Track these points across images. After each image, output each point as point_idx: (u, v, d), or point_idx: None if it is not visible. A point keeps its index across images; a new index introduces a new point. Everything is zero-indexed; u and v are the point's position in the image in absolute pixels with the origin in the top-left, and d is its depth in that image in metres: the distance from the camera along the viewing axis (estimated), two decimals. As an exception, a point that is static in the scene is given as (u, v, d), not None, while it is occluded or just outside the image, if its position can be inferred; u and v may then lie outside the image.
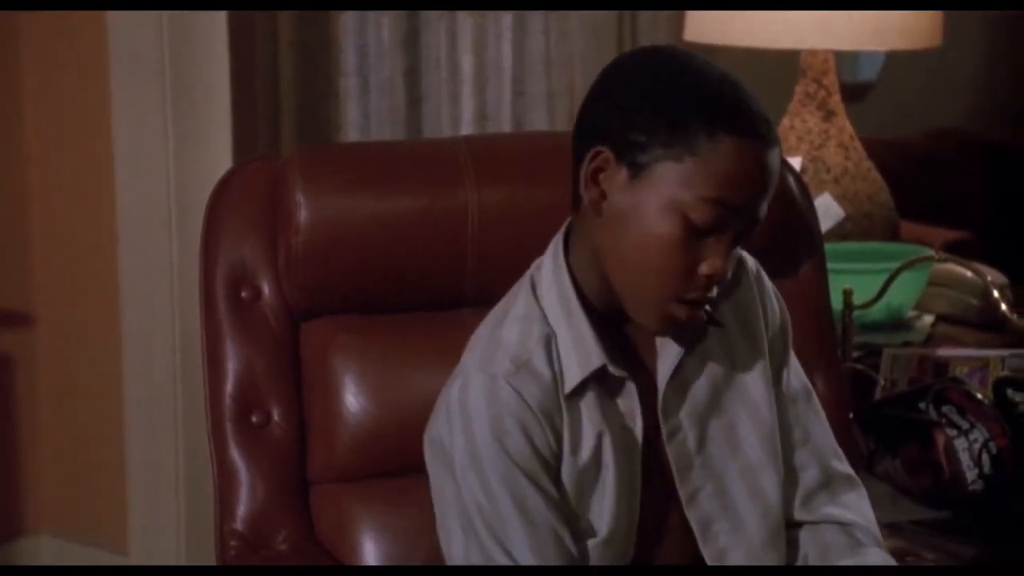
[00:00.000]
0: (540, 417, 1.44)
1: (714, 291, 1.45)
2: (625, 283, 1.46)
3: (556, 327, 1.47)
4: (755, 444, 1.54)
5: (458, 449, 1.45)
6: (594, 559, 1.48)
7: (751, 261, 1.60)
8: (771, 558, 1.54)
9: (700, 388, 1.53)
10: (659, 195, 1.41)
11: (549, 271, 1.50)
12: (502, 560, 1.43)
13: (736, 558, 1.52)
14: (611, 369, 1.47)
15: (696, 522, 1.52)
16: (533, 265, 1.54)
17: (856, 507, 1.61)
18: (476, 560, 1.44)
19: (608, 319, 1.49)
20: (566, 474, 1.46)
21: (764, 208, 1.44)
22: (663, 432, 1.51)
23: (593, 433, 1.47)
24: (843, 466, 1.62)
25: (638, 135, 1.42)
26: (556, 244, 1.53)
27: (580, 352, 1.46)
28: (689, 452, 1.52)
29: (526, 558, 1.43)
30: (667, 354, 1.51)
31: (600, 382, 1.48)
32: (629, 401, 1.49)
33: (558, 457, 1.46)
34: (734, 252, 1.46)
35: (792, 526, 1.59)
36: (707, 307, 1.50)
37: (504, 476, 1.43)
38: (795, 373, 1.61)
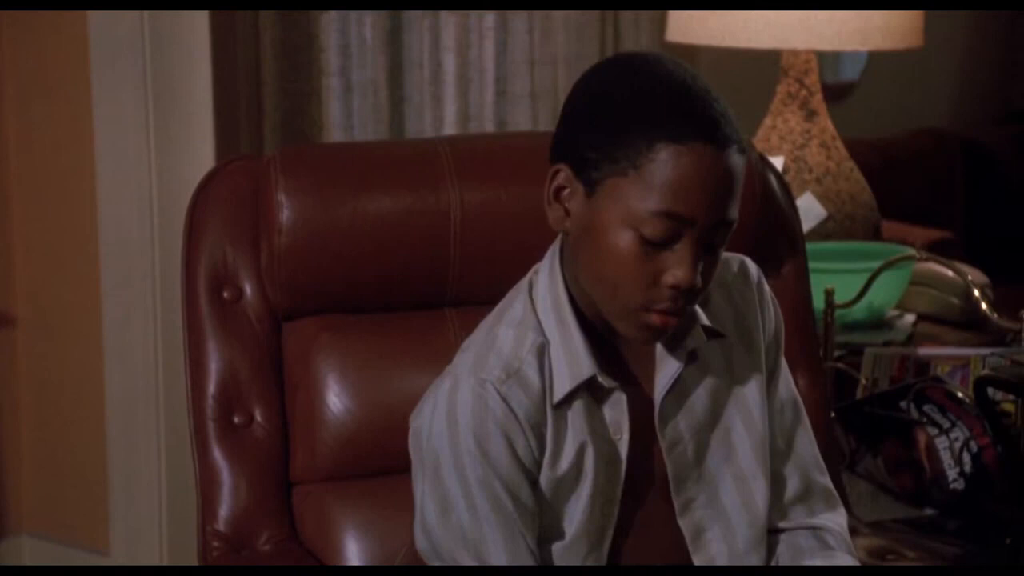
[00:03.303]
0: (525, 427, 1.44)
1: (685, 299, 1.42)
2: (597, 296, 1.46)
3: (550, 336, 1.47)
4: (748, 452, 1.54)
5: (442, 447, 1.45)
6: (557, 561, 1.48)
7: (753, 268, 1.59)
8: (752, 561, 1.54)
9: (700, 399, 1.52)
10: (612, 211, 1.40)
11: (545, 278, 1.50)
12: (468, 559, 1.44)
13: (722, 562, 1.53)
14: (601, 379, 1.47)
15: (688, 530, 1.52)
16: (532, 270, 1.54)
17: (832, 520, 1.61)
18: (449, 551, 1.45)
19: (603, 330, 1.49)
20: (544, 480, 1.47)
21: (731, 211, 1.41)
22: (662, 444, 1.50)
23: (576, 443, 1.47)
24: (824, 479, 1.62)
25: (589, 151, 1.41)
26: (553, 252, 1.51)
27: (571, 362, 1.46)
28: (688, 464, 1.52)
29: (499, 557, 1.44)
30: (666, 367, 1.50)
31: (590, 392, 1.48)
32: (617, 412, 1.49)
33: (538, 465, 1.46)
34: (717, 255, 1.44)
35: (768, 531, 1.59)
36: (704, 317, 1.49)
37: (482, 479, 1.43)
38: (784, 382, 1.61)
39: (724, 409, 1.54)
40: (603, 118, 1.41)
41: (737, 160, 1.41)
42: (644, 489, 1.51)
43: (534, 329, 1.47)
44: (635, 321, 1.43)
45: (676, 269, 1.40)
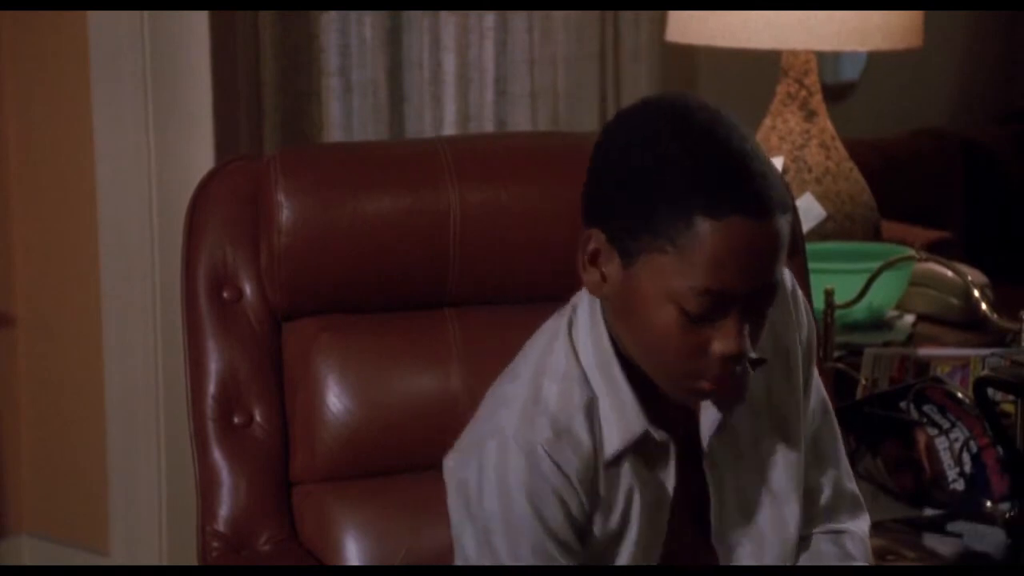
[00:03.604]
0: (578, 487, 1.41)
1: (736, 364, 1.37)
2: (643, 364, 1.41)
3: (597, 390, 1.42)
4: (783, 472, 1.52)
5: (494, 515, 1.40)
6: None
7: (788, 277, 1.53)
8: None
9: (742, 428, 1.49)
10: (652, 286, 1.35)
11: (586, 328, 1.44)
12: None
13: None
14: (653, 434, 1.43)
15: (722, 549, 1.51)
16: (567, 309, 1.47)
17: (855, 525, 1.60)
18: None
19: (651, 381, 1.44)
20: (596, 532, 1.44)
21: (775, 275, 1.36)
22: (709, 480, 1.47)
23: (625, 493, 1.44)
24: (852, 485, 1.61)
25: (625, 220, 1.36)
26: (592, 301, 1.45)
27: (621, 418, 1.42)
28: (728, 492, 1.50)
29: None
30: (709, 409, 1.47)
31: (641, 444, 1.44)
32: (666, 461, 1.45)
33: (590, 518, 1.44)
34: (764, 316, 1.38)
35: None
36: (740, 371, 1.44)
37: (535, 544, 1.40)
38: (816, 389, 1.58)
39: (765, 435, 1.51)
40: (638, 187, 1.35)
41: (781, 225, 1.35)
42: (682, 517, 1.49)
43: (580, 383, 1.42)
44: (685, 387, 1.39)
45: (723, 341, 1.35)
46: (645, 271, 1.36)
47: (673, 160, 1.34)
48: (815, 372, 1.58)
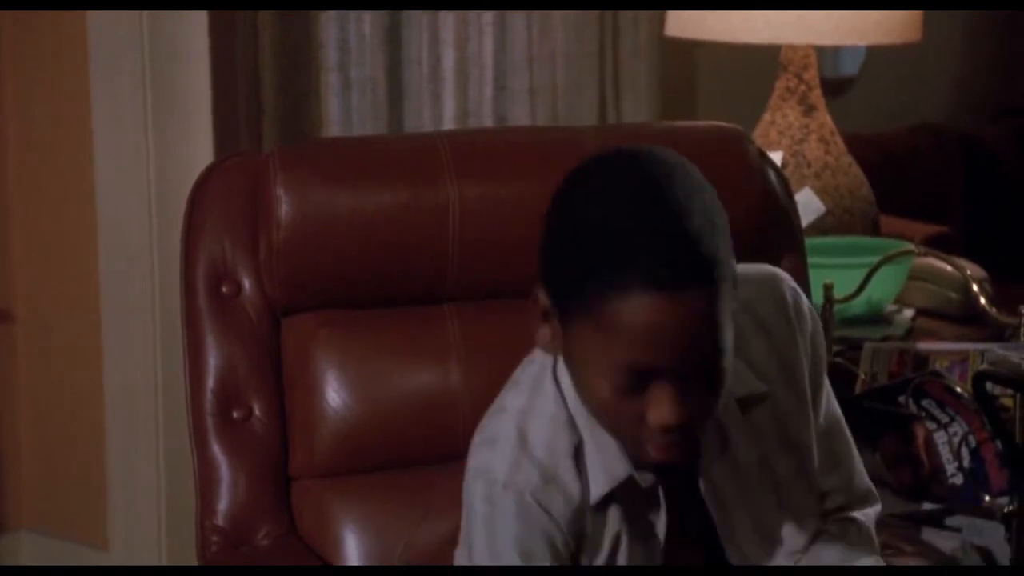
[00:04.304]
0: (566, 531, 1.41)
1: (682, 433, 1.32)
2: (597, 421, 1.39)
3: (583, 433, 1.41)
4: (798, 486, 1.50)
5: (478, 549, 1.41)
6: None
7: (788, 291, 1.49)
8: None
9: (747, 457, 1.47)
10: (582, 355, 1.32)
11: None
12: None
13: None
14: (637, 478, 1.42)
15: (735, 560, 1.50)
16: (543, 357, 1.44)
17: (862, 513, 1.60)
18: None
19: None
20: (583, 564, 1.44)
21: (710, 352, 1.29)
22: (711, 508, 1.45)
23: (612, 536, 1.44)
24: (864, 481, 1.59)
25: (556, 283, 1.33)
26: None
27: (606, 462, 1.41)
28: (738, 522, 1.48)
29: None
30: (711, 446, 1.44)
31: (627, 488, 1.42)
32: (656, 506, 1.44)
33: (576, 557, 1.43)
34: (717, 387, 1.32)
35: None
36: (738, 388, 1.42)
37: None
38: (828, 401, 1.56)
39: (776, 460, 1.49)
40: (565, 253, 1.31)
41: (704, 297, 1.27)
42: (683, 542, 1.48)
43: (567, 427, 1.41)
44: (638, 451, 1.37)
45: (657, 411, 1.30)
46: (577, 340, 1.32)
47: (594, 226, 1.29)
48: (826, 383, 1.56)
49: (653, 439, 1.33)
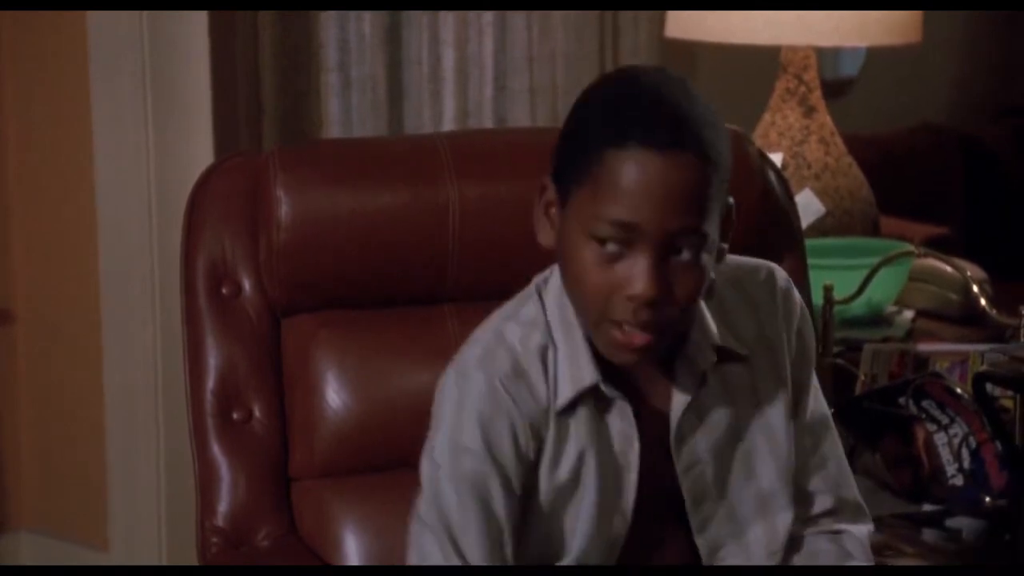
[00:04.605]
0: (528, 427, 1.44)
1: (652, 313, 1.38)
2: (575, 310, 1.45)
3: (557, 340, 1.46)
4: (771, 473, 1.52)
5: (440, 435, 1.44)
6: None
7: (781, 280, 1.55)
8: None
9: (720, 420, 1.49)
10: (576, 222, 1.39)
11: (556, 289, 1.47)
12: (450, 555, 1.42)
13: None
14: (604, 388, 1.45)
15: (705, 547, 1.51)
16: (540, 277, 1.52)
17: (855, 528, 1.60)
18: (424, 548, 1.44)
19: None
20: (543, 488, 1.46)
21: (689, 219, 1.36)
22: (676, 465, 1.48)
23: (576, 451, 1.46)
24: (854, 493, 1.60)
25: (562, 165, 1.42)
26: None
27: (574, 368, 1.45)
28: (706, 485, 1.50)
29: (474, 555, 1.42)
30: (681, 388, 1.48)
31: (595, 401, 1.46)
32: (624, 424, 1.47)
33: (535, 467, 1.45)
34: (695, 268, 1.38)
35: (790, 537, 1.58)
36: (717, 337, 1.46)
37: (476, 474, 1.42)
38: (816, 398, 1.58)
39: (747, 430, 1.51)
40: (571, 133, 1.41)
41: (693, 165, 1.36)
42: (658, 506, 1.49)
43: (542, 331, 1.46)
44: (604, 337, 1.41)
45: (633, 280, 1.37)
46: (572, 209, 1.40)
47: (602, 102, 1.40)
48: (814, 380, 1.57)
49: (619, 316, 1.38)
